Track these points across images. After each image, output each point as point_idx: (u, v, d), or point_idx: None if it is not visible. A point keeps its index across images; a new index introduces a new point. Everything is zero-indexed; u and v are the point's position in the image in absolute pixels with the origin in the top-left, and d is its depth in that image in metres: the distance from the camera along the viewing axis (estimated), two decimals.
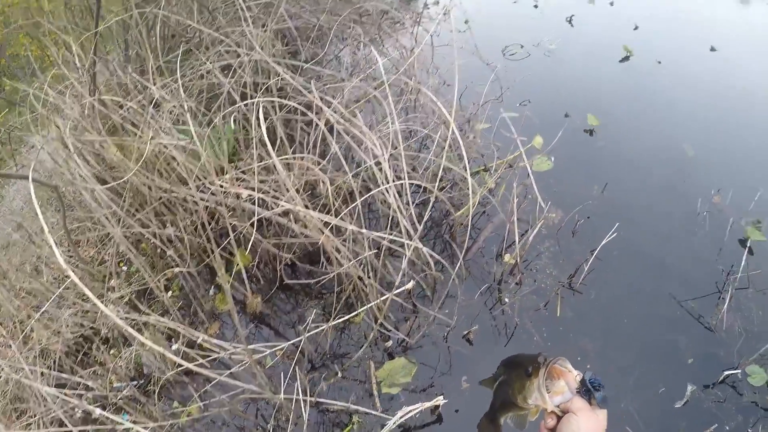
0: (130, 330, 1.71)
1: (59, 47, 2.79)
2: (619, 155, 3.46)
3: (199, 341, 1.99)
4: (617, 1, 6.48)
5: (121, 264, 2.84)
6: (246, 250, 2.05)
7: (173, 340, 2.36)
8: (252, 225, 1.91)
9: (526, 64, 4.43)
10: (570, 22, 5.57)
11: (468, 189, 2.24)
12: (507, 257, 2.46)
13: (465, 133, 3.03)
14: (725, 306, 2.43)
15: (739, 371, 2.24)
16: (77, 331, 2.54)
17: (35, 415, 2.31)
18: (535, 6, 5.84)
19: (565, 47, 4.81)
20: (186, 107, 2.23)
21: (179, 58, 2.21)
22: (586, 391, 0.93)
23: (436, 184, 2.16)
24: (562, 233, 2.75)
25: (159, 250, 2.69)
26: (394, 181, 1.92)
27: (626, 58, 4.87)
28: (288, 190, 1.84)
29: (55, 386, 2.30)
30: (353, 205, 1.85)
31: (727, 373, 2.21)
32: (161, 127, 2.25)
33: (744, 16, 8.05)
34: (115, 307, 2.43)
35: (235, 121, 2.37)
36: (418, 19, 3.70)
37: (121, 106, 2.56)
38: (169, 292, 2.62)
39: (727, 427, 2.08)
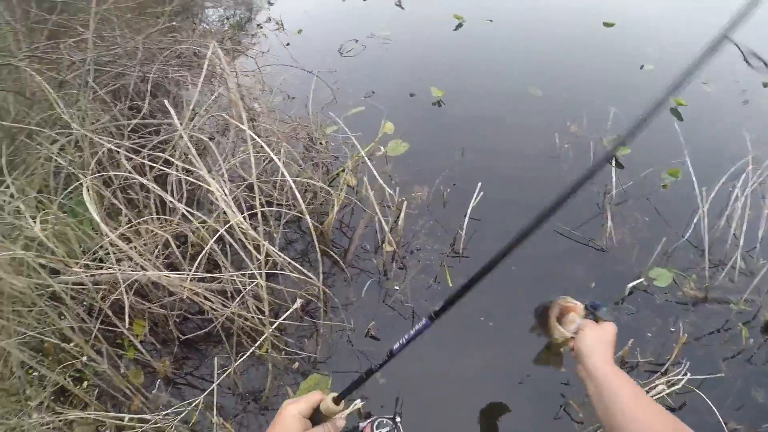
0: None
1: None
2: (470, 118, 3.66)
3: (125, 421, 1.91)
4: None
5: (30, 372, 2.60)
6: (125, 319, 1.98)
7: (99, 429, 2.22)
8: (130, 289, 1.84)
9: (364, 57, 4.55)
10: (400, 5, 5.78)
11: (329, 195, 2.29)
12: (385, 246, 2.53)
13: (316, 141, 3.07)
14: (608, 224, 2.66)
15: (643, 279, 2.43)
16: None
17: None
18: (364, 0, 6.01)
19: (398, 31, 4.99)
20: (27, 202, 2.08)
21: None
22: (590, 313, 1.28)
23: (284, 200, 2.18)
24: (433, 207, 2.87)
25: (61, 346, 2.52)
26: (243, 214, 1.91)
27: (459, 26, 5.15)
28: (132, 258, 1.77)
29: None
30: (202, 253, 1.82)
31: (630, 285, 2.39)
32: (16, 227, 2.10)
33: None
34: (39, 415, 2.23)
35: (88, 198, 2.23)
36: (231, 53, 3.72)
37: None
38: (85, 383, 2.46)
39: (649, 333, 2.25)
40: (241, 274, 1.86)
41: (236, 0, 5.74)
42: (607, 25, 5.10)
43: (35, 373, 2.63)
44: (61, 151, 2.52)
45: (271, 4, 6.09)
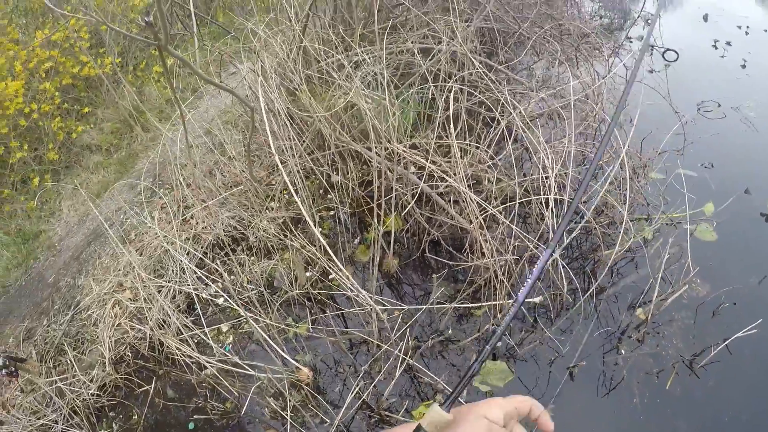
0: (284, 241, 1.97)
1: None
2: None
3: (332, 276, 2.21)
4: None
5: (284, 192, 3.17)
6: (401, 215, 2.23)
7: (308, 267, 2.62)
8: (413, 195, 2.06)
9: (720, 125, 4.08)
10: None
11: (624, 231, 2.20)
12: (639, 311, 2.37)
13: (637, 177, 2.92)
14: None
15: None
16: (229, 232, 2.91)
17: (170, 281, 2.70)
18: (743, 66, 5.32)
19: (765, 117, 4.34)
20: (381, 74, 2.43)
21: (383, 31, 2.41)
22: None
23: (587, 213, 2.14)
24: (702, 309, 2.56)
25: (322, 191, 2.99)
26: (555, 196, 1.95)
27: None
28: (456, 173, 1.95)
29: (195, 266, 2.68)
30: (511, 203, 1.92)
31: None
32: (355, 86, 2.48)
33: None
34: (268, 224, 2.75)
35: (423, 99, 2.53)
36: (616, 49, 3.59)
37: (321, 61, 2.85)
38: (319, 229, 2.89)
39: None
40: (536, 242, 1.91)
41: (613, 3, 5.56)
42: None
43: (287, 196, 3.14)
44: (425, 53, 2.81)
45: (647, 23, 5.80)
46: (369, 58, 2.60)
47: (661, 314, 2.45)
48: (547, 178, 2.00)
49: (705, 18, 6.71)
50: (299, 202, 2.13)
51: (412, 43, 2.85)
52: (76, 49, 4.31)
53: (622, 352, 2.31)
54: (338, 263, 2.01)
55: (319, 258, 2.31)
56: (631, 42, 5.01)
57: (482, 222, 1.95)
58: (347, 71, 2.48)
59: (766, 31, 6.44)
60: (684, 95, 4.35)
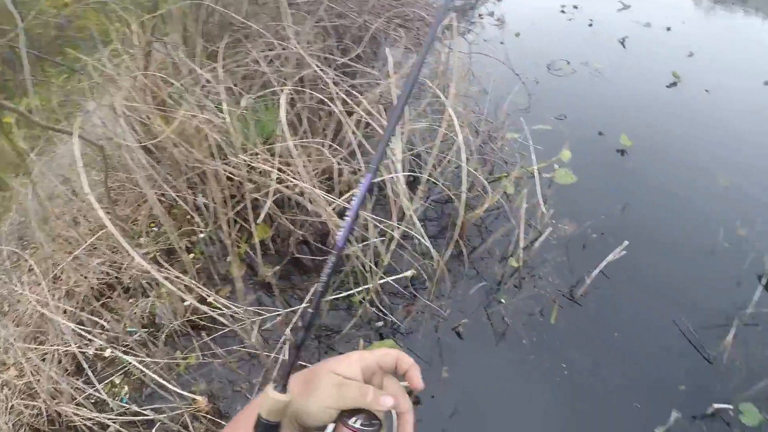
0: (156, 274, 1.90)
1: (122, 24, 3.05)
2: (647, 177, 3.41)
3: (210, 300, 2.16)
4: (675, 27, 6.33)
5: (152, 225, 3.05)
6: (259, 221, 2.20)
7: (185, 296, 2.54)
8: (273, 200, 2.06)
9: (571, 80, 4.43)
10: (623, 43, 5.50)
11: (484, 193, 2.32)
12: (511, 260, 2.50)
13: (494, 140, 3.09)
14: (729, 339, 2.37)
15: (731, 407, 2.17)
16: (103, 279, 2.76)
17: (52, 346, 2.53)
18: (590, 24, 5.80)
19: (612, 68, 4.77)
20: (223, 89, 2.41)
21: (225, 46, 2.40)
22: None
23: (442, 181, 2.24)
24: (572, 245, 2.76)
25: (188, 217, 2.91)
26: (404, 173, 2.02)
27: (673, 84, 4.78)
28: (301, 173, 1.97)
29: (75, 323, 2.52)
30: (353, 191, 1.96)
31: (717, 406, 2.15)
32: (202, 104, 2.45)
33: None
34: (140, 262, 2.64)
35: (268, 107, 2.53)
36: (448, 25, 3.80)
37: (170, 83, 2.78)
38: (191, 255, 2.81)
39: None
40: (381, 222, 1.96)
41: None
42: None
43: (155, 229, 3.05)
44: (270, 61, 2.83)
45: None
46: (212, 76, 2.57)
47: (533, 259, 2.60)
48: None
49: None
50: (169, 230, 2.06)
51: (255, 52, 2.85)
52: None
53: (503, 301, 2.43)
54: (205, 290, 1.97)
55: (193, 285, 2.26)
56: (482, 19, 5.32)
57: (332, 213, 1.99)
58: (195, 92, 2.44)
59: None
60: (536, 59, 4.68)
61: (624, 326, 2.44)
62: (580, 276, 2.58)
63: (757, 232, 3.04)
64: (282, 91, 2.20)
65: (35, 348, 2.56)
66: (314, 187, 1.98)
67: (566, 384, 2.18)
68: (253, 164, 2.08)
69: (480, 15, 5.46)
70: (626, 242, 2.48)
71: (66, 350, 2.53)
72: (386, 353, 0.59)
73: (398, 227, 1.93)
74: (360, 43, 3.12)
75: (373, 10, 3.19)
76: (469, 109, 3.02)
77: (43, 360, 2.50)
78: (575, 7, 6.51)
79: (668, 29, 6.28)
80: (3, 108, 2.40)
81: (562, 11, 6.23)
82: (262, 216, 1.98)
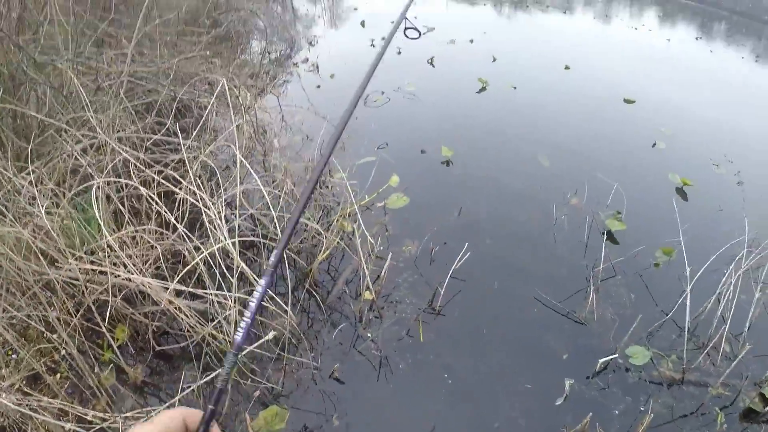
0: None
1: None
2: (475, 179, 3.81)
3: (89, 417, 2.04)
4: (477, 38, 7.14)
5: (9, 352, 2.80)
6: (105, 320, 2.13)
7: (62, 419, 2.35)
8: (119, 298, 2.01)
9: (387, 108, 4.80)
10: (431, 63, 6.08)
11: (323, 238, 2.44)
12: (366, 294, 2.64)
13: (323, 184, 3.26)
14: (592, 297, 2.69)
15: (617, 356, 2.45)
16: None
17: None
18: (399, 53, 6.35)
19: (424, 87, 5.27)
20: (42, 192, 2.31)
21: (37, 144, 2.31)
22: None
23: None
24: (420, 262, 2.98)
25: (45, 334, 2.70)
26: (233, 240, 2.08)
27: (482, 89, 5.38)
28: (125, 264, 1.96)
29: None
30: (186, 269, 1.99)
31: (603, 360, 2.39)
32: (29, 212, 2.32)
33: (603, 32, 9.05)
34: (8, 395, 2.39)
35: (96, 199, 2.45)
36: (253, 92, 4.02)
37: None
38: (58, 375, 2.61)
39: (616, 411, 2.26)
40: (221, 295, 2.00)
41: (280, 35, 6.17)
42: (627, 101, 5.22)
43: (14, 356, 2.81)
44: (84, 153, 2.76)
45: (311, 45, 6.53)
46: (32, 178, 2.45)
47: (385, 286, 2.77)
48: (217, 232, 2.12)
49: (362, 24, 7.78)
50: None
51: (69, 146, 2.76)
52: None
53: (369, 335, 2.55)
54: (80, 410, 1.86)
55: (68, 407, 2.11)
56: (297, 67, 5.61)
57: (172, 299, 1.99)
58: (19, 200, 2.32)
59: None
60: (352, 95, 5.00)
61: (489, 321, 2.67)
62: (434, 288, 2.78)
63: (588, 198, 3.51)
64: (96, 185, 2.16)
65: None
66: (150, 276, 1.97)
67: (454, 391, 2.33)
68: (81, 266, 2.03)
69: (295, 63, 5.75)
70: (466, 244, 2.74)
71: None
72: (170, 417, 0.58)
73: (238, 297, 1.97)
74: (178, 118, 3.14)
75: (182, 77, 3.24)
76: (292, 161, 3.17)
77: None
78: (383, 38, 7.07)
79: (471, 41, 7.04)
80: None
81: (372, 45, 6.74)
82: (107, 316, 1.92)
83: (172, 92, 3.09)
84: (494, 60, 6.36)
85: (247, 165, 2.12)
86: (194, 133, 2.75)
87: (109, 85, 3.13)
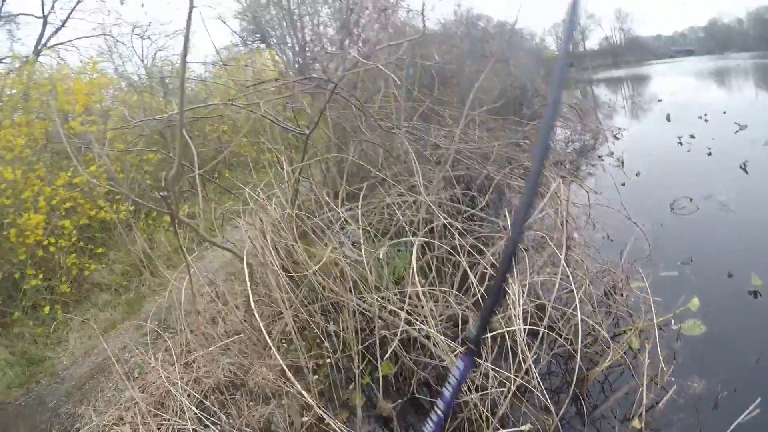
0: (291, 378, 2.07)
1: (271, 155, 3.62)
2: None
3: (327, 421, 2.29)
4: None
5: (283, 341, 3.33)
6: (385, 357, 2.36)
7: (304, 413, 2.69)
8: (401, 341, 2.22)
9: (695, 218, 4.28)
10: (744, 168, 5.23)
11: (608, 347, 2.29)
12: (635, 422, 2.36)
13: (618, 291, 3.05)
14: None
15: None
16: (229, 377, 3.02)
17: (169, 420, 2.76)
18: (709, 154, 5.65)
19: (737, 199, 4.53)
20: (362, 231, 2.74)
21: (363, 191, 2.76)
22: None
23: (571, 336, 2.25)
24: (701, 404, 2.52)
25: (317, 341, 3.18)
26: (524, 328, 2.09)
27: None
28: (420, 313, 2.13)
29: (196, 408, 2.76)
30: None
31: None
32: (341, 242, 2.78)
33: None
34: (267, 370, 2.86)
35: (401, 251, 2.78)
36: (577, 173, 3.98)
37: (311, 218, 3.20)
38: (315, 375, 3.01)
39: None
40: (496, 370, 2.02)
41: (585, 126, 6.12)
42: None
43: (285, 345, 3.30)
44: (399, 208, 3.15)
45: (616, 138, 6.30)
46: (350, 216, 2.93)
47: (657, 420, 2.42)
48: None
49: (668, 118, 7.24)
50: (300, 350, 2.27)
51: (390, 198, 3.20)
52: (94, 193, 4.77)
53: None
54: (326, 414, 2.10)
55: (314, 404, 2.40)
56: (602, 160, 5.44)
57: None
58: (334, 228, 2.81)
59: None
60: (659, 198, 4.59)
61: None
62: None
63: None
64: (415, 241, 2.44)
65: (155, 415, 2.79)
66: (439, 332, 2.11)
67: None
68: (384, 304, 2.29)
69: (600, 156, 5.59)
70: (759, 399, 2.25)
71: (181, 428, 2.71)
72: None
73: (516, 379, 1.96)
74: (484, 192, 3.37)
75: (498, 159, 3.48)
76: (591, 259, 3.04)
77: (159, 429, 2.72)
78: (692, 136, 6.39)
79: None
80: (182, 223, 2.90)
81: (680, 143, 6.17)
82: (389, 353, 2.12)
83: (488, 171, 3.35)
84: None
85: (563, 259, 2.08)
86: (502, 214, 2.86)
87: (436, 155, 3.55)
